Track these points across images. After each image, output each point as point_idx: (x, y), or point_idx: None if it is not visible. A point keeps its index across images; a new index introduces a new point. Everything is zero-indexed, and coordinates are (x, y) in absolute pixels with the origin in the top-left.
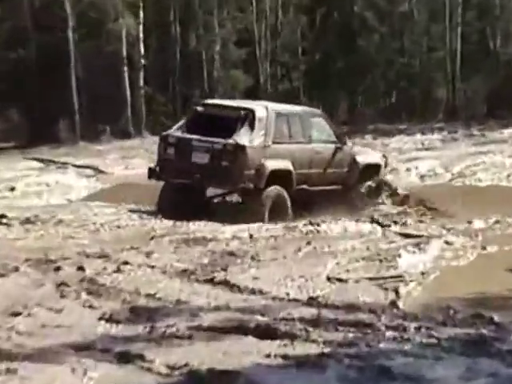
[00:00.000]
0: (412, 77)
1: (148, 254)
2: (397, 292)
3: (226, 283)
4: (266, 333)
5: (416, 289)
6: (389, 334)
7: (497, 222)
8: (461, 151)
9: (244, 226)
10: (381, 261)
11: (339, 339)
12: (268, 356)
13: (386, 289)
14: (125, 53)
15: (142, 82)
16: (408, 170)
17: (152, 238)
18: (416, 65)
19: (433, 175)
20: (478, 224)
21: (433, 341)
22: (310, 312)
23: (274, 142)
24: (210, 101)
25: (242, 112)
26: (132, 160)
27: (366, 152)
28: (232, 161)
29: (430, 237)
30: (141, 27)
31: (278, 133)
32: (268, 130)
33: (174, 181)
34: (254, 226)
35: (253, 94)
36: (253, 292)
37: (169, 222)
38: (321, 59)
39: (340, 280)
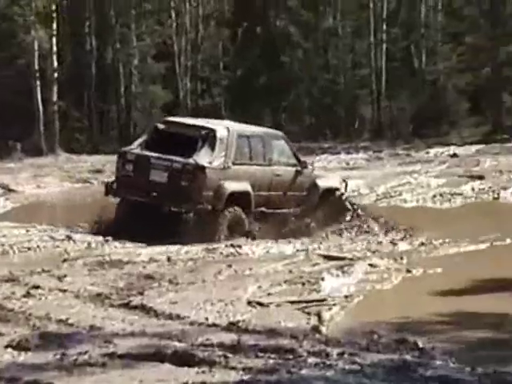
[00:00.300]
0: (336, 94)
1: (60, 278)
2: (319, 316)
3: (142, 308)
4: (183, 360)
5: (339, 313)
6: (311, 360)
7: (422, 244)
8: (386, 171)
9: (162, 248)
10: (303, 284)
11: (259, 366)
12: None
13: (309, 313)
14: (37, 66)
15: (55, 97)
16: None
17: (65, 261)
18: (341, 81)
19: (357, 195)
20: (402, 246)
21: (355, 367)
22: (229, 337)
23: (234, 164)
24: (171, 118)
25: (203, 131)
26: (44, 178)
27: (326, 176)
28: (191, 181)
29: (354, 259)
30: (54, 39)
31: (239, 154)
32: (228, 151)
33: (130, 198)
34: (173, 248)
35: (172, 109)
36: (170, 317)
37: (83, 244)
38: (243, 74)
39: (261, 304)
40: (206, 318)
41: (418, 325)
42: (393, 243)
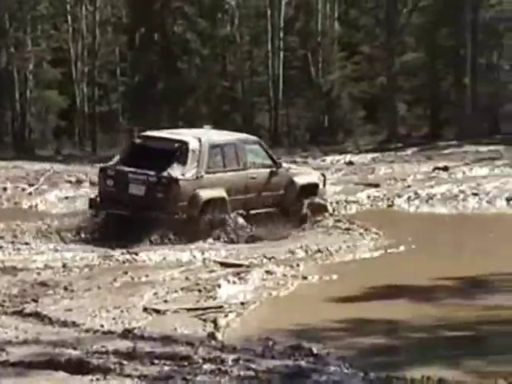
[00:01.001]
0: (234, 101)
1: None
2: (215, 323)
3: (36, 315)
4: (77, 367)
5: (235, 320)
6: (206, 366)
7: (318, 251)
8: None
9: (57, 255)
10: (200, 291)
11: (155, 373)
12: None
13: (205, 320)
14: None
15: None
16: None
17: None
18: (238, 89)
19: None
20: (299, 253)
21: (250, 373)
22: (125, 345)
23: (207, 172)
24: (147, 133)
25: (176, 144)
26: None
27: (304, 172)
28: (166, 193)
29: (250, 266)
30: None
31: (212, 163)
32: (201, 162)
33: (112, 212)
34: (68, 254)
35: (68, 115)
36: (65, 324)
37: None
38: (141, 81)
39: (157, 311)
40: (102, 325)
41: (314, 331)
42: (291, 251)
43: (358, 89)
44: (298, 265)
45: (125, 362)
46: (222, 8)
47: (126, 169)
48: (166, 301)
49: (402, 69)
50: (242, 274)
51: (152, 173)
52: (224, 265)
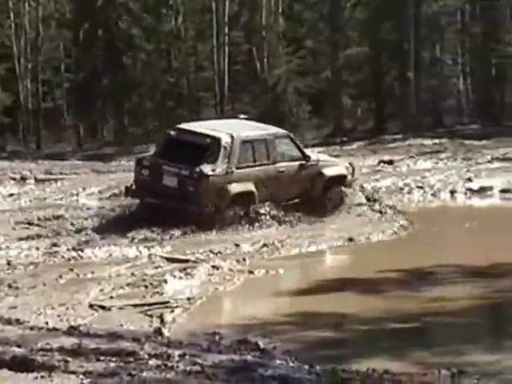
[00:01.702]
0: (180, 97)
1: None
2: (162, 319)
3: None
4: (22, 365)
5: (182, 315)
6: (152, 362)
7: (264, 245)
8: None
9: (2, 252)
10: (146, 287)
11: (100, 369)
12: None
13: (151, 316)
14: None
15: None
16: None
17: None
18: (184, 84)
19: None
20: (245, 248)
21: (197, 368)
22: (70, 341)
23: (238, 168)
24: (182, 126)
25: (209, 140)
26: None
27: (332, 164)
28: (196, 187)
29: (197, 261)
30: None
31: (243, 158)
32: (232, 158)
33: (146, 200)
34: (13, 252)
35: (13, 112)
36: (9, 322)
37: None
38: (85, 76)
39: (103, 307)
40: (47, 323)
41: (260, 325)
42: (236, 244)
43: (304, 83)
44: (244, 259)
45: (70, 359)
46: (167, 3)
47: (161, 160)
48: (111, 297)
49: (347, 63)
50: (189, 270)
51: (185, 166)
52: (170, 260)
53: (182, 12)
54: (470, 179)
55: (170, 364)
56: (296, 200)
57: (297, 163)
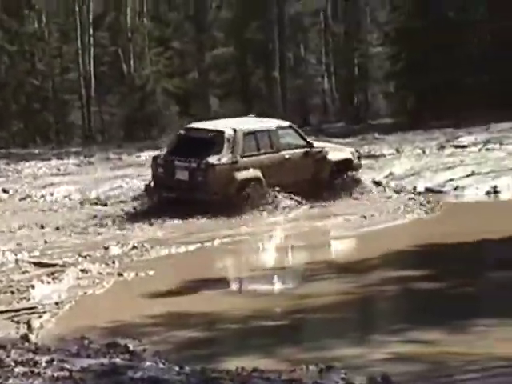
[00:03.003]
0: (45, 99)
1: None
2: (29, 325)
3: None
4: None
5: (50, 320)
6: (18, 369)
7: (134, 247)
8: (98, 176)
9: None
10: (13, 292)
11: None
12: None
13: (18, 322)
14: None
15: None
16: (43, 196)
17: None
18: (49, 87)
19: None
20: (114, 250)
21: (64, 373)
22: None
23: (242, 157)
24: (191, 125)
25: (213, 134)
26: None
27: (337, 149)
28: (205, 177)
29: (65, 265)
30: None
31: (247, 148)
32: (236, 148)
33: (163, 195)
34: None
35: None
36: None
37: None
38: None
39: None
40: None
41: (130, 328)
42: (104, 247)
43: (172, 84)
44: (113, 262)
45: None
46: (29, 4)
47: (173, 157)
48: None
49: (213, 63)
50: (57, 274)
51: (193, 160)
52: (38, 265)
53: (44, 13)
54: None
55: (36, 370)
56: (305, 186)
57: (302, 150)
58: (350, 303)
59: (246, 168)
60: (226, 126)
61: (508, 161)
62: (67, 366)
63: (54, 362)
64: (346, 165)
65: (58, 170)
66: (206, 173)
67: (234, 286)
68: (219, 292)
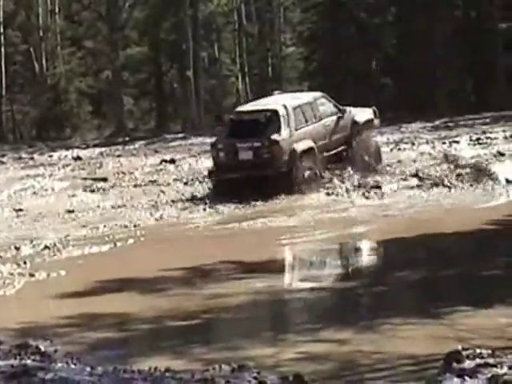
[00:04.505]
0: None
1: None
2: None
3: None
4: None
5: None
6: None
7: (46, 247)
8: (9, 175)
9: None
10: None
11: None
12: None
13: None
14: None
15: None
16: None
17: None
18: None
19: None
20: (25, 250)
21: None
22: None
23: (296, 129)
24: (239, 109)
25: (268, 113)
26: None
27: (360, 111)
28: (271, 153)
29: None
30: None
31: (297, 121)
32: (290, 123)
33: (227, 177)
34: None
35: None
36: None
37: None
38: None
39: None
40: None
41: (42, 329)
42: (16, 248)
43: (85, 83)
44: (25, 262)
45: None
46: None
47: (233, 140)
48: None
49: (127, 63)
50: None
51: (255, 139)
52: None
53: None
54: None
55: None
56: (342, 148)
57: (335, 117)
58: (260, 303)
59: (300, 140)
60: (276, 103)
61: None
62: None
63: None
64: (369, 124)
65: None
66: (271, 149)
67: (146, 286)
68: (130, 292)
